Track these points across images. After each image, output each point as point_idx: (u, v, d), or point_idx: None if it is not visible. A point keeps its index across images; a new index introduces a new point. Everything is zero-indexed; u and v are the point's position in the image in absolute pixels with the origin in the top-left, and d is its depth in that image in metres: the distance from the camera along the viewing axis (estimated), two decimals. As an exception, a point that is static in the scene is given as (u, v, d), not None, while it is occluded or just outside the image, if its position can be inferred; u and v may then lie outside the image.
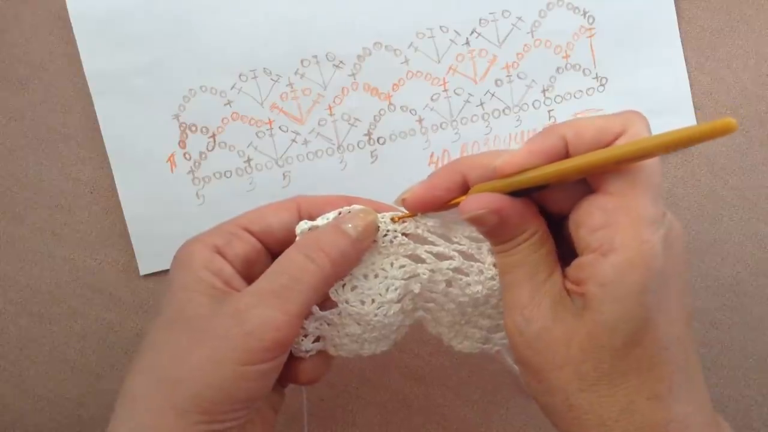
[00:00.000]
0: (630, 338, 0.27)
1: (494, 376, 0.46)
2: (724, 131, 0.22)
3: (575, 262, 0.28)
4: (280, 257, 0.32)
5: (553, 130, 0.28)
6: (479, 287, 0.33)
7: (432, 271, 0.33)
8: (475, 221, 0.30)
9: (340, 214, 0.33)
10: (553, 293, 0.29)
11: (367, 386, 0.46)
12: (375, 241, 0.33)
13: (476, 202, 0.29)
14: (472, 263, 0.33)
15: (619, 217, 0.26)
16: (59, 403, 0.45)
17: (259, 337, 0.29)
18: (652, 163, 0.26)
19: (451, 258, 0.33)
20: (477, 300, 0.34)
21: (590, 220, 0.27)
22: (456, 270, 0.34)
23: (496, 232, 0.30)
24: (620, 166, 0.26)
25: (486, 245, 0.33)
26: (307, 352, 0.34)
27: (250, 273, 0.33)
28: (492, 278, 0.33)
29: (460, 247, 0.33)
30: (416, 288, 0.34)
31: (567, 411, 0.28)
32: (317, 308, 0.33)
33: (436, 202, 0.31)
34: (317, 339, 0.34)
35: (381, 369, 0.46)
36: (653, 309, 0.26)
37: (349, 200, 0.34)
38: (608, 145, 0.27)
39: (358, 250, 0.32)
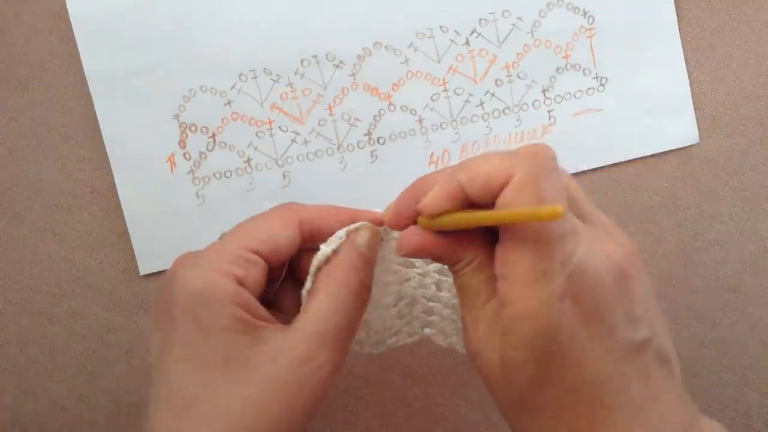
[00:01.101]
0: (534, 379, 0.27)
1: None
2: (550, 217, 0.24)
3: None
4: (328, 294, 0.31)
5: (452, 174, 0.28)
6: None
7: (421, 275, 0.34)
8: (410, 257, 0.31)
9: (349, 235, 0.32)
10: (488, 318, 0.29)
11: (367, 386, 0.46)
12: None
13: (404, 242, 0.30)
14: None
15: (510, 271, 0.27)
16: (59, 403, 0.45)
17: (323, 377, 0.30)
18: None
19: (433, 261, 0.34)
20: None
21: (496, 266, 0.28)
22: (440, 272, 0.34)
23: (436, 261, 0.31)
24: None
25: None
26: None
27: (260, 296, 0.32)
28: None
29: None
30: (409, 292, 0.34)
31: (510, 426, 0.30)
32: None
33: (401, 226, 0.32)
34: None
35: (381, 369, 0.46)
36: (557, 353, 0.27)
37: (349, 213, 0.33)
38: (498, 192, 0.27)
39: (372, 269, 0.33)
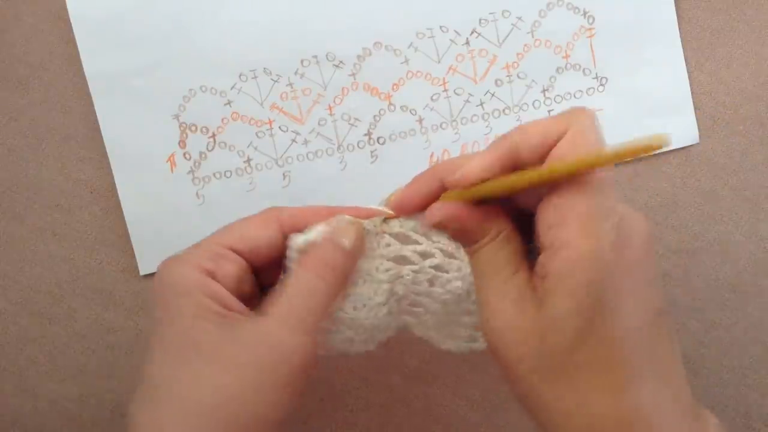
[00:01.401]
0: (581, 331, 0.27)
1: (495, 375, 0.46)
2: (657, 146, 0.24)
3: (538, 259, 0.29)
4: (290, 279, 0.32)
5: (503, 139, 0.29)
6: (459, 283, 0.34)
7: (415, 272, 0.34)
8: (439, 227, 0.32)
9: (328, 226, 0.33)
10: (517, 289, 0.29)
11: (367, 386, 0.46)
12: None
13: (437, 211, 0.31)
14: (452, 260, 0.34)
15: (567, 215, 0.27)
16: (59, 403, 0.45)
17: (294, 363, 0.30)
18: None
19: (432, 256, 0.34)
20: (459, 296, 0.35)
21: (545, 218, 0.28)
22: (437, 267, 0.34)
23: (460, 236, 0.32)
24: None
25: (454, 262, 0.34)
26: None
27: (240, 292, 0.33)
28: (470, 274, 0.34)
29: (440, 246, 0.34)
30: (400, 289, 0.34)
31: (533, 401, 0.29)
32: None
33: (415, 208, 0.33)
34: None
35: (381, 369, 0.46)
36: (604, 303, 0.27)
37: (331, 211, 0.34)
38: (553, 145, 0.28)
39: (354, 262, 0.33)
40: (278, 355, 0.30)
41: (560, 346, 0.28)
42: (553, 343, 0.28)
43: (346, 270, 0.33)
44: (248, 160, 0.45)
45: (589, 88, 0.46)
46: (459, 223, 0.31)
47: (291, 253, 0.32)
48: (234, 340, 0.30)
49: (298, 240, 0.32)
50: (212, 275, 0.32)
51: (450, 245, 0.34)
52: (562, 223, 0.27)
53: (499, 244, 0.30)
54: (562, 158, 0.27)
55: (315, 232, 0.33)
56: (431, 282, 0.35)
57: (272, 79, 0.44)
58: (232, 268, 0.32)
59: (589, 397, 0.28)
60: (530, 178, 0.28)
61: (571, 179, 0.27)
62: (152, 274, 0.44)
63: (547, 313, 0.28)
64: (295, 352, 0.30)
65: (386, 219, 0.34)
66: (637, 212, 0.29)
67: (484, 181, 0.29)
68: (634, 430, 0.27)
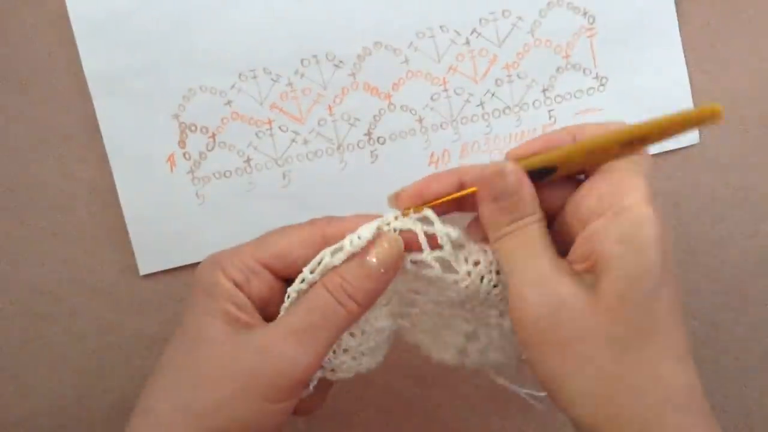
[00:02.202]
0: (652, 290, 0.28)
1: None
2: (712, 117, 0.25)
3: (583, 234, 0.30)
4: (309, 294, 0.32)
5: (564, 128, 0.32)
6: (467, 269, 0.32)
7: (415, 262, 0.33)
8: (511, 186, 0.31)
9: (359, 238, 0.31)
10: (568, 266, 0.30)
11: (367, 386, 0.46)
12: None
13: (512, 169, 0.31)
14: (459, 252, 0.32)
15: (624, 185, 0.29)
16: (59, 403, 0.45)
17: (287, 376, 0.30)
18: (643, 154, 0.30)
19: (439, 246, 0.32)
20: (460, 299, 0.34)
21: (597, 189, 0.30)
22: (441, 260, 0.32)
23: (511, 208, 0.31)
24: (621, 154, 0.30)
25: (462, 254, 0.32)
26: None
27: (265, 308, 0.33)
28: (467, 287, 0.33)
29: (448, 231, 0.32)
30: (404, 287, 0.34)
31: (599, 385, 0.29)
32: None
33: (435, 196, 0.32)
34: None
35: (381, 369, 0.46)
36: (667, 262, 0.28)
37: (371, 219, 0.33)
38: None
39: (385, 284, 0.32)
40: (277, 368, 0.30)
41: (634, 307, 0.28)
42: (626, 306, 0.28)
43: (373, 296, 0.32)
44: (248, 160, 0.45)
45: (590, 88, 0.46)
46: (527, 188, 0.31)
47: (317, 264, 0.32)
48: (240, 344, 0.31)
49: (326, 258, 0.31)
50: (241, 287, 0.32)
51: (458, 236, 0.32)
52: (618, 192, 0.29)
53: (543, 224, 0.31)
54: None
55: (348, 243, 0.31)
56: (431, 280, 0.33)
57: (272, 79, 0.44)
58: (260, 286, 0.32)
59: (662, 368, 0.28)
60: (587, 145, 0.30)
61: (617, 161, 0.29)
62: (152, 274, 0.45)
63: (615, 278, 0.28)
64: (293, 367, 0.30)
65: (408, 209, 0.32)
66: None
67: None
68: (700, 398, 0.28)
